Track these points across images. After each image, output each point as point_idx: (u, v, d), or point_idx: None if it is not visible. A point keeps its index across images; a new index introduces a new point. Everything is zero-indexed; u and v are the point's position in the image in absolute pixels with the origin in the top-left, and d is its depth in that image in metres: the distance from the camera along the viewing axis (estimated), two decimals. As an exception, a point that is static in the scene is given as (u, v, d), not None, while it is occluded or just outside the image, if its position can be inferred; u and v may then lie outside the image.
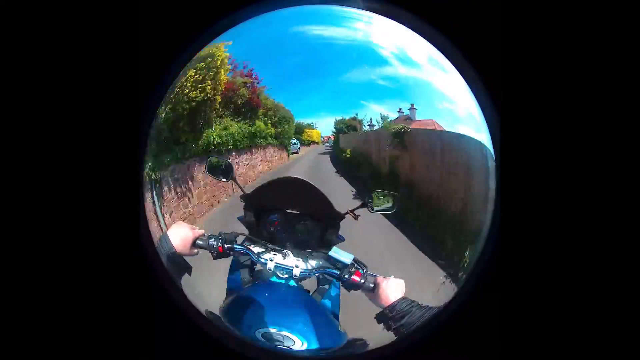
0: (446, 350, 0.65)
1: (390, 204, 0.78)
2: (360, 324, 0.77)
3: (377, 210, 0.77)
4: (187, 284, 0.70)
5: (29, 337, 0.59)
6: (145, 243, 0.64)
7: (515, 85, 0.61)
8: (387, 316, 0.69)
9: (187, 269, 0.71)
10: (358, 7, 0.72)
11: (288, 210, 0.81)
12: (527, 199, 0.61)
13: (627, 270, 0.59)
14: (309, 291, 0.80)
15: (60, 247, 0.60)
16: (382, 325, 0.69)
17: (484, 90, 0.63)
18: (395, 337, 0.67)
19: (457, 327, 0.65)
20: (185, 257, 0.71)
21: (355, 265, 0.72)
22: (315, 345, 0.65)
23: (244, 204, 0.80)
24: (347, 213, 0.78)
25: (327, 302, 0.78)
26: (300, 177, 0.75)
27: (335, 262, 0.73)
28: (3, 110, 0.59)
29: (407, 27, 0.68)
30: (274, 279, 0.76)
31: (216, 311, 0.72)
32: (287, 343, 0.63)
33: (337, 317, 0.78)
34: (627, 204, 0.59)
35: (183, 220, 0.80)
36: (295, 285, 0.76)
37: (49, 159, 0.60)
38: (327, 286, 0.79)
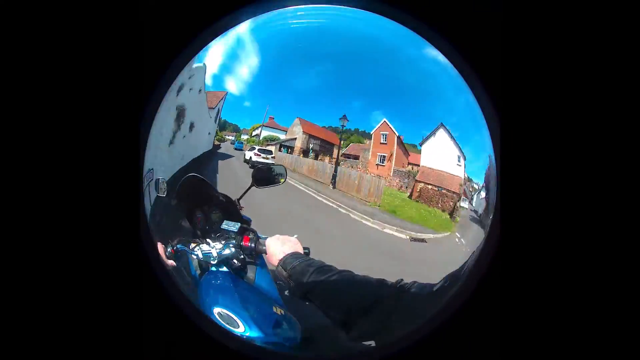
0: (446, 350, 0.65)
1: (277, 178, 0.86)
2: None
3: (263, 186, 0.85)
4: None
5: (28, 336, 0.59)
6: (145, 242, 0.64)
7: (515, 85, 0.62)
8: (282, 275, 0.69)
9: None
10: (356, 6, 0.72)
11: (205, 206, 0.88)
12: (528, 198, 0.61)
13: (627, 269, 0.59)
14: (242, 275, 0.84)
15: (59, 245, 0.60)
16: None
17: (484, 90, 0.64)
18: (395, 337, 0.68)
19: (456, 327, 0.65)
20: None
21: (243, 231, 0.79)
22: (253, 328, 0.69)
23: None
24: (239, 199, 0.85)
25: (262, 283, 0.83)
26: (195, 174, 0.82)
27: (229, 234, 0.80)
28: (2, 110, 0.59)
29: (408, 28, 0.69)
30: (213, 268, 0.82)
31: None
32: (234, 324, 0.69)
33: (274, 296, 0.81)
34: (626, 200, 0.59)
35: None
36: (228, 270, 0.82)
37: (48, 158, 0.60)
38: (254, 266, 0.84)
